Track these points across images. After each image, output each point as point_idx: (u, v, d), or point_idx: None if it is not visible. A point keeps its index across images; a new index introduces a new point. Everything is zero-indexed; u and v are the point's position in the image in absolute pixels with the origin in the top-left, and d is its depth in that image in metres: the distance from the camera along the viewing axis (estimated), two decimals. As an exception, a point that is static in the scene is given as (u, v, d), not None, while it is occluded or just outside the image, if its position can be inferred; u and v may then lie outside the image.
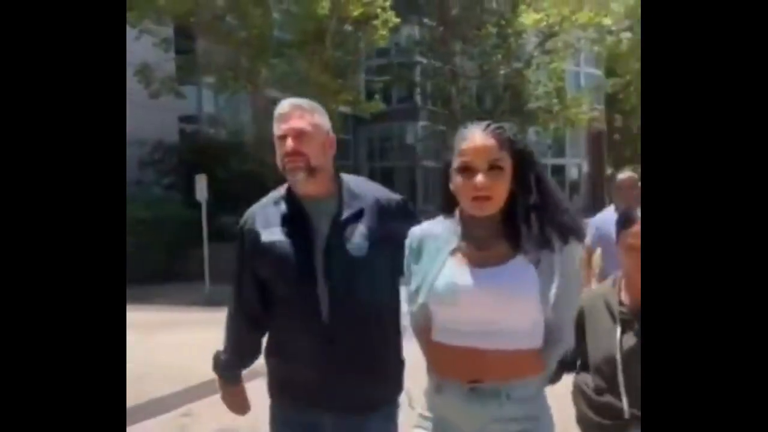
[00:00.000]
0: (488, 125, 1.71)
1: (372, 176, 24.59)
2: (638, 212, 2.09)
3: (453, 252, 1.73)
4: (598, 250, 4.68)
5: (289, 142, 1.99)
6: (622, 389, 2.07)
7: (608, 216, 4.66)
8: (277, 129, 2.05)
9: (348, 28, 12.76)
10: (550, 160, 24.72)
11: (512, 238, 1.70)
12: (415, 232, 1.85)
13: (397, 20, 13.28)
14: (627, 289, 2.16)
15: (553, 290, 1.68)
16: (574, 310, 1.92)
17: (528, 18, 16.92)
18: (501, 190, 1.67)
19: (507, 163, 1.67)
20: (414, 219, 2.04)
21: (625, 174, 4.73)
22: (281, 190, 2.13)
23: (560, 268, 1.69)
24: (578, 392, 2.20)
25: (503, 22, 19.09)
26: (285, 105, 2.05)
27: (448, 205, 1.79)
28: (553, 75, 20.63)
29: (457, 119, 18.60)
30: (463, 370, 1.70)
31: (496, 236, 1.72)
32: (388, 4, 12.75)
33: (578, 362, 2.23)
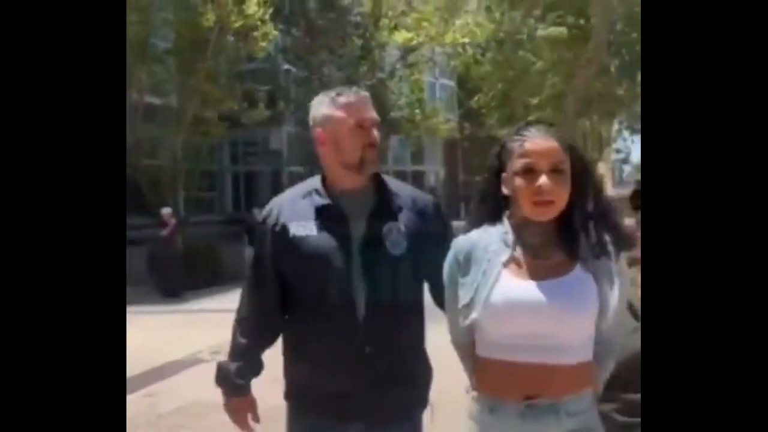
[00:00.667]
0: (549, 128, 1.68)
1: (236, 180, 24.31)
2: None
3: (507, 263, 1.66)
4: None
5: (376, 132, 1.95)
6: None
7: None
8: (351, 116, 1.94)
9: (230, 38, 13.20)
10: (410, 167, 26.21)
11: (568, 246, 1.66)
12: (462, 243, 1.76)
13: (276, 33, 13.90)
14: None
15: (612, 300, 1.65)
16: (622, 329, 1.83)
17: (399, 36, 18.11)
18: (564, 193, 1.62)
19: (568, 167, 1.64)
20: (447, 221, 2.05)
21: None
22: (313, 183, 2.05)
23: (618, 276, 1.67)
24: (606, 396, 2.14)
25: (367, 35, 20.21)
26: (353, 94, 1.97)
27: (494, 211, 1.74)
28: (414, 87, 22.08)
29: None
30: (518, 386, 1.63)
31: (550, 244, 1.67)
32: (267, 17, 13.33)
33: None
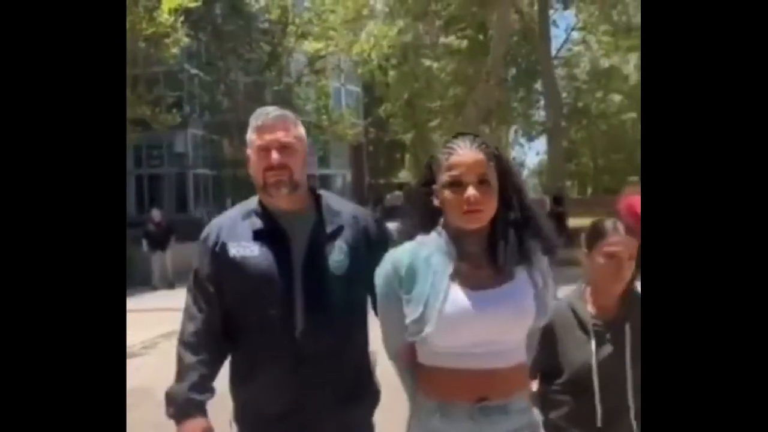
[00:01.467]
0: (475, 140, 1.72)
1: (139, 183, 24.03)
2: (608, 224, 2.14)
3: (452, 276, 1.70)
4: None
5: (275, 155, 1.91)
6: (597, 399, 2.10)
7: None
8: (258, 139, 1.95)
9: (141, 44, 13.34)
10: (317, 171, 26.80)
11: (503, 254, 1.72)
12: (400, 255, 1.76)
13: (186, 39, 14.16)
14: (595, 300, 2.20)
15: (547, 301, 1.77)
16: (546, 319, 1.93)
17: (308, 46, 18.67)
18: (491, 203, 1.68)
19: (494, 177, 1.69)
20: (388, 238, 2.00)
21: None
22: (252, 203, 2.04)
23: (546, 277, 1.77)
24: (547, 401, 2.22)
25: (275, 41, 20.65)
26: (268, 115, 1.96)
27: (427, 223, 1.77)
28: (321, 93, 22.72)
29: (231, 129, 19.79)
30: (468, 391, 1.70)
31: (487, 253, 1.73)
32: (179, 24, 13.57)
33: (548, 372, 2.24)
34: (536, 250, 1.74)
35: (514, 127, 27.79)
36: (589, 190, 40.47)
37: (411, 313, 1.69)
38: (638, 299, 2.14)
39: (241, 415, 2.04)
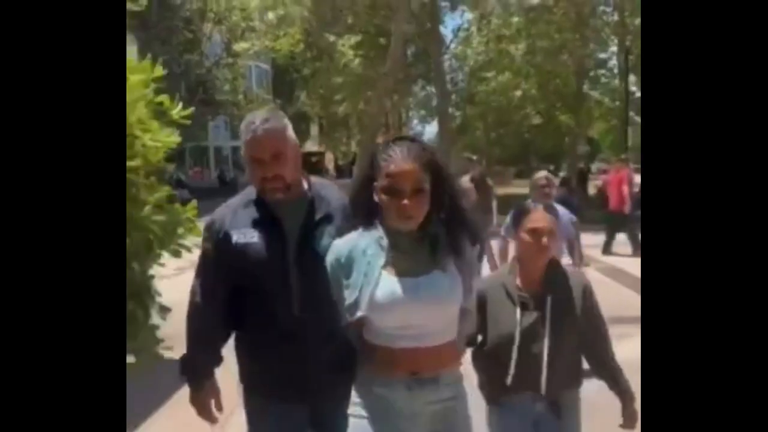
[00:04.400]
0: (412, 147, 1.89)
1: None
2: (530, 205, 2.53)
3: (384, 265, 1.92)
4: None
5: (267, 170, 2.12)
6: (513, 361, 2.42)
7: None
8: (252, 150, 2.13)
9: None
10: (230, 143, 29.64)
11: (432, 247, 1.95)
12: (340, 246, 2.01)
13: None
14: (522, 275, 2.51)
15: (470, 286, 2.00)
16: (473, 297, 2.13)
17: (239, 47, 21.69)
18: (423, 208, 1.89)
19: (428, 184, 1.88)
20: None
21: (539, 174, 5.57)
22: (251, 194, 2.26)
23: (472, 265, 2.04)
24: (479, 364, 2.57)
25: (194, 28, 23.48)
26: (256, 131, 2.09)
27: (368, 216, 1.98)
28: (236, 73, 25.77)
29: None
30: (403, 365, 1.94)
31: (418, 245, 1.95)
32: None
33: (478, 337, 2.53)
34: (464, 241, 1.98)
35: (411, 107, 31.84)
36: (483, 162, 45.00)
37: (348, 298, 1.95)
38: (563, 274, 2.52)
39: (246, 380, 2.34)
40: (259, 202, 2.24)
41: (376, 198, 1.93)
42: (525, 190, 7.87)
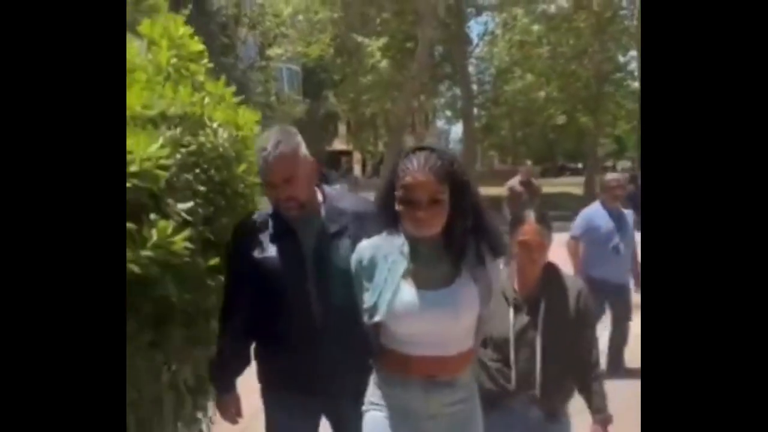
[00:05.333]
0: (430, 157, 1.90)
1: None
2: (528, 214, 2.53)
3: (405, 275, 1.97)
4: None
5: (281, 191, 2.22)
6: (512, 362, 2.48)
7: (595, 210, 5.35)
8: (265, 174, 2.24)
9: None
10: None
11: (452, 258, 1.98)
12: (365, 248, 2.07)
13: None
14: (519, 278, 2.58)
15: (490, 297, 2.04)
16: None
17: (273, 52, 23.14)
18: (439, 220, 1.91)
19: (446, 194, 1.89)
20: None
21: (611, 176, 5.40)
22: (269, 210, 2.37)
23: (493, 277, 2.05)
24: (478, 365, 2.53)
25: (229, 33, 24.86)
26: (268, 153, 2.18)
27: (391, 222, 2.01)
28: (269, 76, 27.12)
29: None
30: (419, 370, 2.01)
31: (439, 255, 1.98)
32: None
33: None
34: (485, 253, 2.00)
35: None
36: (510, 160, 45.81)
37: (367, 301, 2.02)
38: (558, 278, 2.60)
39: (264, 380, 2.49)
40: (276, 216, 2.35)
41: (396, 207, 1.95)
42: (551, 189, 8.54)
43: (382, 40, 22.02)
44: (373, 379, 2.17)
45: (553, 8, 20.26)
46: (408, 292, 1.99)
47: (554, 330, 2.51)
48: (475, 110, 27.59)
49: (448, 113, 36.30)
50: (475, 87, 28.20)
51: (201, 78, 2.83)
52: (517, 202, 7.91)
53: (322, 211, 2.36)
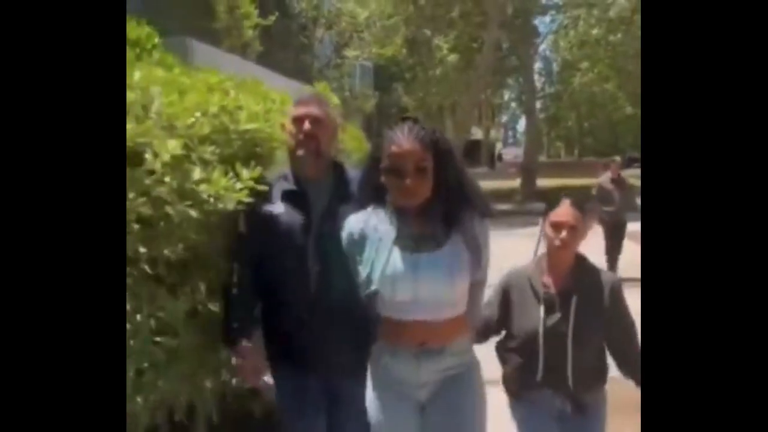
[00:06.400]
0: (413, 127, 1.99)
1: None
2: (561, 197, 2.50)
3: (395, 242, 2.05)
4: None
5: (306, 125, 2.33)
6: (541, 358, 2.44)
7: None
8: (294, 111, 2.40)
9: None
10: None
11: (440, 223, 2.05)
12: (353, 222, 2.14)
13: (261, 48, 20.78)
14: (550, 270, 2.52)
15: (481, 260, 2.09)
16: (486, 273, 2.19)
17: (350, 53, 25.34)
18: (426, 187, 1.99)
19: (430, 162, 1.98)
20: None
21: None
22: (284, 170, 2.47)
23: (482, 240, 2.10)
24: (503, 356, 2.60)
25: (308, 33, 27.17)
26: (305, 93, 2.43)
27: (377, 195, 2.11)
28: (344, 73, 29.32)
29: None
30: (412, 337, 2.08)
31: (426, 222, 2.06)
32: (256, 36, 20.13)
33: (502, 329, 2.62)
34: (472, 216, 2.08)
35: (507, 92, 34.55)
36: (576, 151, 46.76)
37: (362, 273, 2.10)
38: (590, 271, 2.53)
39: (269, 350, 2.54)
40: (290, 178, 2.43)
41: (382, 179, 2.01)
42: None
43: (451, 37, 23.80)
44: (372, 352, 2.24)
45: (611, 13, 21.66)
46: (399, 259, 2.06)
47: (586, 325, 2.46)
48: (540, 103, 29.13)
49: (514, 105, 37.78)
50: (540, 81, 29.69)
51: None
52: (608, 200, 7.71)
53: (335, 179, 2.46)
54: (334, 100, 3.49)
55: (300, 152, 2.39)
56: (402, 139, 1.99)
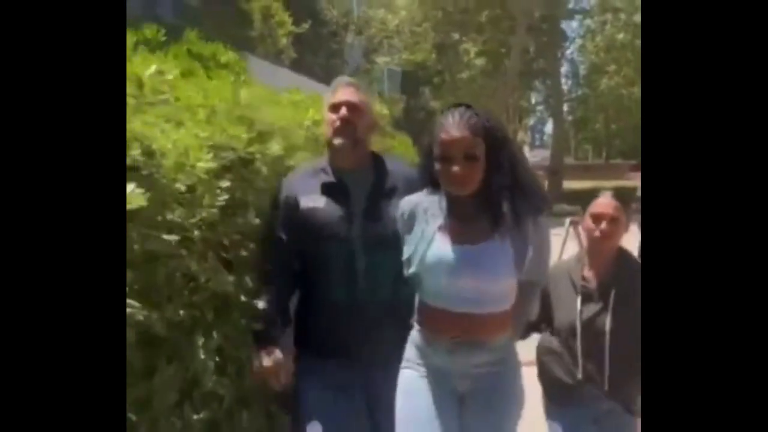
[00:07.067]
0: (465, 113, 1.96)
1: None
2: (601, 191, 2.47)
3: (440, 228, 2.03)
4: None
5: (343, 111, 2.31)
6: (579, 353, 2.39)
7: None
8: (332, 98, 2.37)
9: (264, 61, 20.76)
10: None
11: (489, 215, 1.99)
12: (406, 204, 2.15)
13: (294, 55, 21.56)
14: (590, 264, 2.50)
15: (526, 261, 2.00)
16: (545, 275, 2.20)
17: (380, 59, 26.13)
18: (475, 176, 1.95)
19: (481, 150, 1.94)
20: None
21: None
22: (322, 162, 2.44)
23: (532, 240, 2.02)
24: (543, 352, 2.55)
25: (338, 39, 27.95)
26: (343, 79, 2.40)
27: (431, 180, 2.08)
28: (373, 78, 30.07)
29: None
30: (446, 327, 2.06)
31: (476, 212, 2.01)
32: (289, 44, 20.92)
33: (543, 325, 2.60)
34: (524, 211, 2.00)
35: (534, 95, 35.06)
36: (604, 154, 46.95)
37: (405, 253, 2.11)
38: (631, 265, 2.48)
39: (301, 341, 2.48)
40: (328, 170, 2.40)
41: (436, 166, 2.00)
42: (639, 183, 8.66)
43: (479, 42, 24.45)
44: (410, 336, 2.22)
45: (637, 18, 22.11)
46: (442, 246, 2.04)
47: (626, 319, 2.40)
48: (566, 106, 29.57)
49: (540, 108, 38.19)
50: (567, 84, 30.15)
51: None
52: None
53: (374, 170, 2.43)
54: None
55: (337, 141, 2.38)
56: (452, 126, 1.98)
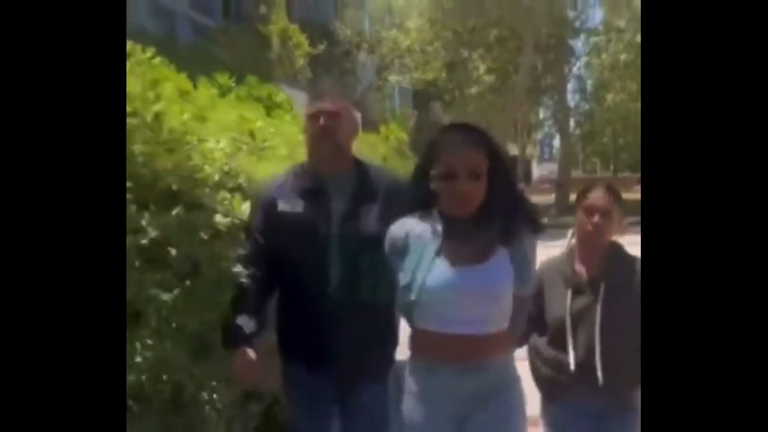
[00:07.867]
0: (468, 131, 1.96)
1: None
2: (594, 184, 2.47)
3: (437, 252, 1.98)
4: None
5: (321, 120, 2.29)
6: (570, 346, 2.37)
7: None
8: (311, 107, 2.36)
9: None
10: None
11: (488, 235, 1.97)
12: (397, 230, 2.08)
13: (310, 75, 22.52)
14: (581, 258, 2.48)
15: (527, 274, 2.02)
16: (533, 286, 2.19)
17: (392, 78, 27.14)
18: (479, 194, 1.94)
19: (485, 168, 1.92)
20: None
21: None
22: (301, 166, 2.44)
23: (530, 256, 2.04)
24: (533, 350, 2.53)
25: (351, 58, 28.98)
26: (320, 87, 2.33)
27: (424, 202, 2.03)
28: (385, 95, 31.02)
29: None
30: (450, 351, 2.00)
31: (473, 233, 1.98)
32: (306, 65, 21.86)
33: (536, 326, 2.52)
34: (521, 231, 2.00)
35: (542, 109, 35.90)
36: (612, 167, 47.50)
37: (401, 281, 2.02)
38: (623, 258, 2.48)
39: (283, 348, 2.52)
40: (308, 173, 2.41)
41: (432, 185, 1.97)
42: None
43: (488, 60, 25.37)
44: (407, 367, 2.18)
45: (638, 38, 22.98)
46: (442, 269, 2.01)
47: (618, 313, 2.39)
48: (574, 121, 30.41)
49: (548, 123, 38.95)
50: (574, 99, 31.00)
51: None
52: None
53: (355, 176, 2.41)
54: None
55: (317, 150, 2.40)
56: (458, 144, 1.97)
